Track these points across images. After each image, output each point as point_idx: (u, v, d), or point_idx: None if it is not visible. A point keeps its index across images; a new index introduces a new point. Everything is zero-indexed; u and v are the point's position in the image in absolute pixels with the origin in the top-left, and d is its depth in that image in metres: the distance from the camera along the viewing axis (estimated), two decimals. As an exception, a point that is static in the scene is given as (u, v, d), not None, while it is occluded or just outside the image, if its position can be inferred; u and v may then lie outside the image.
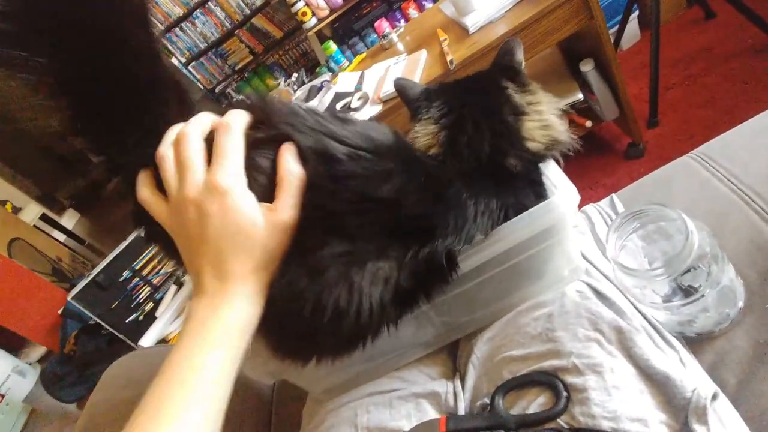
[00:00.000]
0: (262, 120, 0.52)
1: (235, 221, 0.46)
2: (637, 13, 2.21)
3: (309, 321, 0.50)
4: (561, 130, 0.63)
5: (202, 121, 0.52)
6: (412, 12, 3.36)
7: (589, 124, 1.80)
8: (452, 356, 0.74)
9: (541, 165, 0.62)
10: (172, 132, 0.51)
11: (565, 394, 0.54)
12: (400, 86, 0.71)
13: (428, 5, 3.30)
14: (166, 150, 0.50)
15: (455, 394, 0.65)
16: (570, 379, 0.55)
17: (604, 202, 0.89)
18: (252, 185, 0.49)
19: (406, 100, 0.70)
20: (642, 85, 1.97)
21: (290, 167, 0.48)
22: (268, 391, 1.00)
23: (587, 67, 1.66)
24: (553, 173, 0.61)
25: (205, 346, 0.45)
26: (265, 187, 0.49)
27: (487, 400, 0.60)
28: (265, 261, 0.48)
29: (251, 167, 0.49)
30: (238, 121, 0.50)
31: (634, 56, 2.25)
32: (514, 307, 0.67)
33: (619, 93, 1.65)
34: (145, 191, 0.52)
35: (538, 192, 0.60)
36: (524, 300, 0.66)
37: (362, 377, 0.72)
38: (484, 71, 0.68)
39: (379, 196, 0.49)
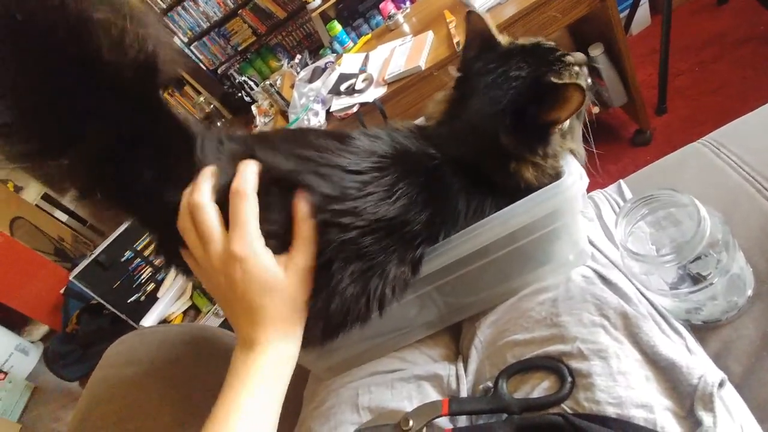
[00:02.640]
0: (271, 168, 0.54)
1: (258, 280, 0.52)
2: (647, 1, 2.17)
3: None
4: (557, 172, 0.61)
5: (212, 184, 0.53)
6: (419, -7, 3.30)
7: (596, 110, 1.77)
8: (455, 339, 0.74)
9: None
10: (186, 199, 0.53)
11: (569, 379, 0.54)
12: (470, 25, 0.66)
13: (435, -13, 3.25)
14: (185, 223, 0.54)
15: (458, 377, 0.65)
16: (575, 364, 0.54)
17: (611, 188, 0.88)
18: (268, 232, 0.53)
19: (463, 52, 0.67)
20: (651, 71, 1.94)
21: (304, 215, 0.53)
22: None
23: (596, 51, 1.63)
24: (564, 157, 0.60)
25: (244, 392, 0.52)
26: (280, 236, 0.53)
27: (490, 384, 0.59)
28: (293, 304, 0.54)
29: (265, 213, 0.52)
30: (250, 183, 0.52)
31: (644, 41, 2.21)
32: (518, 290, 0.66)
33: (628, 79, 1.62)
34: (183, 252, 0.57)
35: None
36: (529, 284, 0.65)
37: (365, 356, 0.71)
38: (527, 83, 0.60)
39: (387, 216, 0.54)
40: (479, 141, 0.61)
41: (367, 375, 0.69)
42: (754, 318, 0.61)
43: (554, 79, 0.58)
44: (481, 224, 0.57)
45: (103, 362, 1.01)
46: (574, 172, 0.57)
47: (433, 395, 0.63)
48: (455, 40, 1.45)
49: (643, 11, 2.23)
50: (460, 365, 0.66)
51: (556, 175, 0.59)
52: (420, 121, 0.70)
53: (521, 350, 0.59)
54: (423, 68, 1.48)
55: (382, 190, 0.54)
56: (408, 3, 3.29)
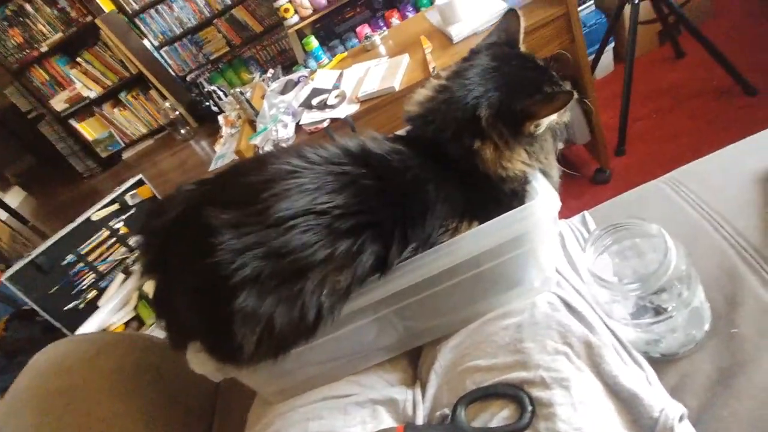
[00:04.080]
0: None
1: None
2: (612, 45, 2.28)
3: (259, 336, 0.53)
4: (512, 174, 0.62)
5: None
6: (395, 21, 3.36)
7: (560, 145, 1.82)
8: (413, 363, 0.71)
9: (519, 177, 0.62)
10: None
11: (530, 408, 0.52)
12: (510, 20, 0.71)
13: (411, 15, 3.32)
14: None
15: (414, 402, 0.62)
16: (536, 392, 0.53)
17: (576, 219, 0.88)
18: None
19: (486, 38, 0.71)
20: (612, 115, 2.03)
21: None
22: (213, 388, 0.94)
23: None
24: (536, 179, 0.59)
25: None
26: None
27: (447, 411, 0.57)
28: None
29: None
30: None
31: (607, 86, 2.31)
32: (481, 314, 0.64)
33: (591, 118, 1.68)
34: None
35: (511, 194, 0.59)
36: (493, 308, 0.64)
37: (318, 380, 0.67)
38: (522, 81, 0.65)
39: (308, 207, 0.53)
40: (453, 114, 0.61)
41: (319, 399, 0.65)
42: (710, 353, 0.62)
43: (548, 89, 0.62)
44: (447, 245, 0.56)
45: (28, 371, 0.92)
46: (544, 196, 0.57)
47: (387, 421, 0.60)
48: (431, 66, 1.46)
49: (607, 58, 2.34)
50: (418, 390, 0.64)
51: (510, 179, 0.61)
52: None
53: (482, 376, 0.57)
54: (397, 89, 1.48)
55: (314, 180, 0.55)
56: (384, 29, 3.35)
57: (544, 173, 0.63)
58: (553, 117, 0.61)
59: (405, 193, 0.57)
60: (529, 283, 0.63)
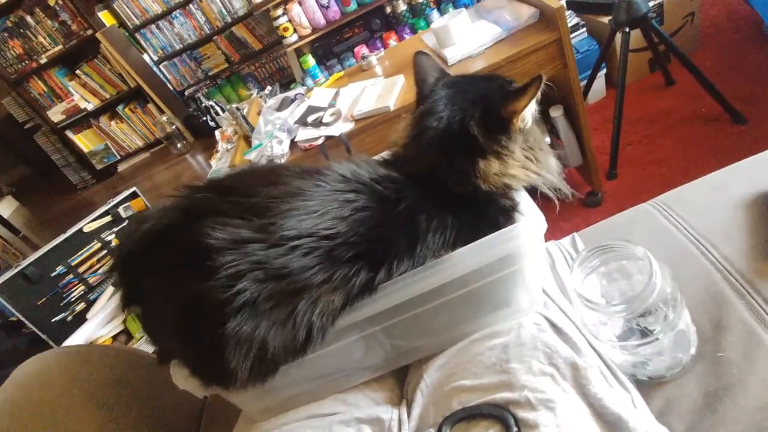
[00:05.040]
0: None
1: None
2: (604, 71, 2.33)
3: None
4: (522, 182, 0.64)
5: None
6: (392, 42, 3.42)
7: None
8: (400, 382, 0.70)
9: (513, 193, 0.62)
10: None
11: (515, 429, 0.52)
12: (417, 63, 0.73)
13: (408, 37, 3.37)
14: None
15: (400, 421, 0.61)
16: (522, 413, 0.52)
17: (565, 240, 0.89)
18: None
19: (417, 82, 0.72)
20: (604, 139, 2.06)
21: None
22: (198, 404, 0.93)
23: (556, 113, 1.71)
24: (523, 201, 0.60)
25: None
26: None
27: (432, 431, 0.56)
28: None
29: None
30: None
31: (598, 111, 2.35)
32: (468, 334, 0.64)
33: (584, 142, 1.70)
34: None
35: (504, 216, 0.59)
36: (479, 328, 0.64)
37: (303, 398, 0.67)
38: (487, 91, 0.67)
39: (311, 231, 0.54)
40: (445, 143, 0.62)
41: (304, 417, 0.64)
42: (696, 377, 0.62)
43: (514, 87, 0.64)
44: (434, 265, 0.56)
45: (11, 382, 0.91)
46: (530, 217, 0.57)
47: (373, 440, 0.59)
48: (425, 86, 1.48)
49: (599, 84, 2.39)
50: (404, 409, 0.63)
51: (510, 192, 0.62)
52: (384, 154, 0.70)
53: (468, 396, 0.57)
54: (392, 109, 1.50)
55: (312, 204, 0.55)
56: (382, 49, 3.40)
57: (545, 168, 0.64)
58: (534, 105, 0.63)
59: (397, 225, 0.57)
60: (516, 304, 0.63)
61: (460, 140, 0.62)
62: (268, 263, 0.51)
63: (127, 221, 2.16)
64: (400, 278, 0.56)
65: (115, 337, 2.08)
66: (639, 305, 0.53)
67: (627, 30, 1.77)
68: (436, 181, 0.61)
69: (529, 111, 0.62)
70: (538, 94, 0.60)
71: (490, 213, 0.61)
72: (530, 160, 0.63)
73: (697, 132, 1.97)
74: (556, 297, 0.68)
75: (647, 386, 0.62)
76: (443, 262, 0.55)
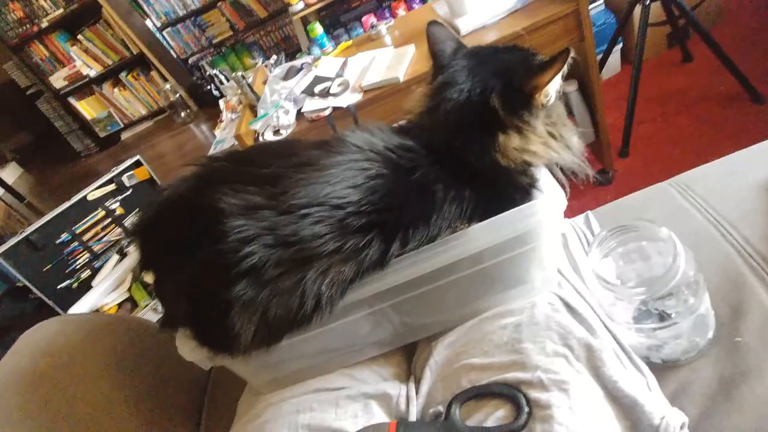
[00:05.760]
0: None
1: None
2: (620, 45, 2.26)
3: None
4: (542, 160, 0.61)
5: None
6: (401, 12, 3.33)
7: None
8: (408, 358, 0.69)
9: (532, 170, 0.60)
10: None
11: (526, 409, 0.51)
12: (432, 34, 0.70)
13: (417, 6, 3.28)
14: None
15: (408, 398, 0.60)
16: (534, 393, 0.51)
17: (579, 219, 0.87)
18: None
19: (433, 53, 0.69)
20: (617, 116, 2.01)
21: None
22: (203, 375, 0.93)
23: (570, 87, 1.67)
24: (542, 178, 0.58)
25: None
26: None
27: (441, 408, 0.55)
28: None
29: None
30: None
31: (613, 87, 2.29)
32: (480, 312, 0.63)
33: (597, 118, 1.66)
34: None
35: (522, 193, 0.57)
36: (491, 306, 0.62)
37: (310, 371, 0.66)
38: (510, 63, 0.64)
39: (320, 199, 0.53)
40: (465, 116, 0.60)
41: (311, 391, 0.64)
42: (712, 361, 0.60)
43: (539, 60, 0.62)
44: (448, 240, 0.55)
45: (16, 349, 0.91)
46: (550, 194, 0.55)
47: (380, 416, 0.59)
48: (436, 57, 1.44)
49: (615, 59, 2.32)
50: (412, 386, 0.62)
51: (530, 168, 0.60)
52: (400, 122, 0.68)
53: (478, 375, 0.56)
54: (401, 80, 1.46)
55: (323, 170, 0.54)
56: (390, 18, 3.31)
57: (567, 146, 0.62)
58: (558, 81, 0.60)
59: (412, 194, 0.55)
60: (530, 282, 0.61)
61: (480, 113, 0.59)
62: (278, 229, 0.51)
63: (131, 190, 2.15)
64: (413, 253, 0.54)
65: (120, 305, 2.10)
66: (661, 287, 0.51)
67: (648, 2, 1.71)
68: (454, 152, 0.58)
69: (553, 86, 0.59)
70: (564, 68, 0.57)
71: (509, 189, 0.59)
72: (552, 137, 0.60)
73: (714, 111, 1.91)
74: (571, 277, 0.67)
75: (661, 369, 0.61)
76: (458, 237, 0.54)
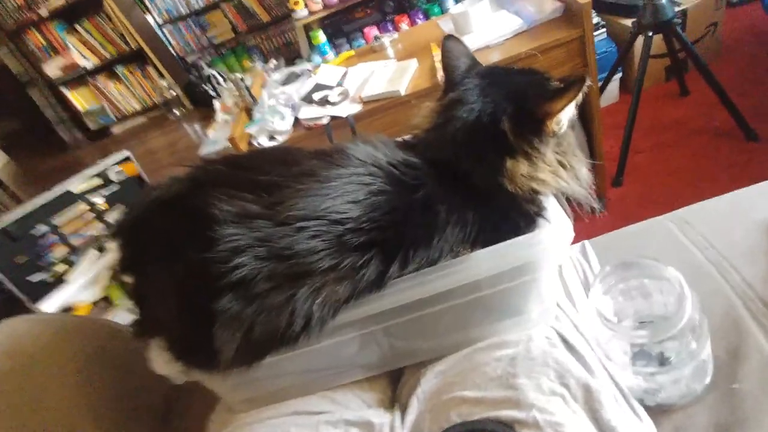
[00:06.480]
0: None
1: None
2: (620, 75, 2.27)
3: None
4: (550, 188, 0.58)
5: None
6: (404, 26, 3.33)
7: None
8: (393, 383, 0.66)
9: (540, 198, 0.57)
10: None
11: (518, 450, 0.48)
12: (447, 48, 0.67)
13: (421, 22, 3.29)
14: None
15: (392, 428, 0.57)
16: (527, 434, 0.48)
17: (575, 248, 0.85)
18: None
19: (446, 68, 0.67)
20: (612, 144, 2.01)
21: None
22: (175, 387, 0.88)
23: (569, 113, 1.67)
24: (550, 206, 0.55)
25: None
26: None
27: (428, 442, 0.52)
28: None
29: None
30: None
31: (610, 116, 2.30)
32: (473, 341, 0.60)
33: (594, 145, 1.66)
34: None
35: (527, 220, 0.55)
36: (485, 335, 0.60)
37: (289, 392, 0.62)
38: (524, 86, 0.61)
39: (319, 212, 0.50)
40: (473, 137, 0.57)
41: (289, 413, 0.60)
42: (708, 406, 0.58)
43: (553, 86, 0.59)
44: (448, 265, 0.52)
45: (-23, 348, 0.85)
46: (558, 223, 0.53)
47: (361, 446, 0.55)
48: (439, 74, 1.43)
49: (613, 87, 2.34)
50: (397, 415, 0.59)
51: (537, 196, 0.57)
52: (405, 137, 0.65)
53: (469, 409, 0.53)
54: (403, 94, 1.44)
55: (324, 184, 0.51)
56: (393, 31, 3.31)
57: (576, 177, 0.59)
58: (572, 109, 0.57)
59: (414, 213, 0.53)
60: (527, 313, 0.59)
61: (488, 135, 0.57)
62: (272, 241, 0.48)
63: (118, 185, 2.10)
64: (411, 276, 0.52)
65: (95, 304, 2.03)
66: (666, 331, 0.49)
67: (650, 34, 1.72)
68: (459, 172, 0.56)
69: (566, 114, 0.57)
70: (579, 96, 0.55)
71: (514, 215, 0.56)
72: (562, 166, 0.58)
73: (709, 145, 1.93)
74: (568, 310, 0.64)
75: (655, 412, 0.59)
76: (459, 263, 0.51)
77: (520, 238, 0.51)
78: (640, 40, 1.79)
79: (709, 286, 0.69)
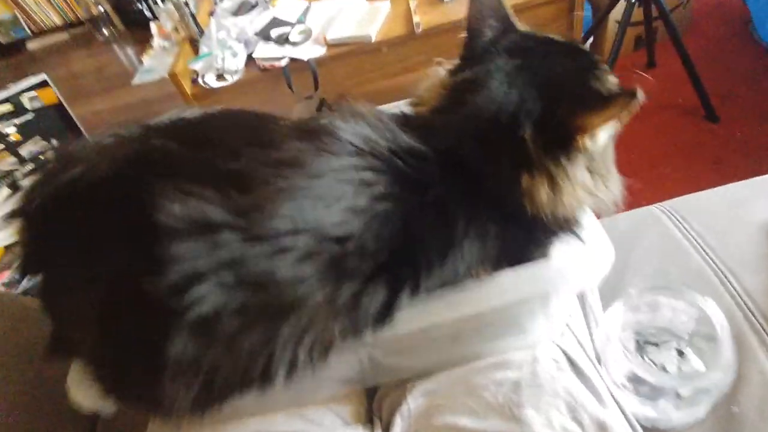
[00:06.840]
0: None
1: None
2: (590, 42, 2.21)
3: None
4: (577, 209, 0.48)
5: None
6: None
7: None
8: (370, 392, 0.58)
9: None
10: None
11: (524, 497, 0.42)
12: (475, 3, 0.52)
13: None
14: None
15: (373, 450, 0.49)
16: (535, 479, 0.42)
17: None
18: None
19: (471, 27, 0.52)
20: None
21: None
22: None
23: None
24: (587, 222, 0.46)
25: None
26: None
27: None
28: None
29: None
30: None
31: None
32: (468, 358, 0.52)
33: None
34: None
35: (557, 237, 0.46)
36: (483, 353, 0.52)
37: (250, 408, 0.53)
38: (562, 77, 0.48)
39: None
40: (486, 137, 0.45)
41: (250, 432, 0.51)
42: (705, 429, 0.55)
43: (597, 86, 0.47)
44: (467, 290, 0.43)
45: None
46: (594, 249, 0.44)
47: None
48: (415, 20, 1.28)
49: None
50: (378, 432, 0.51)
51: (569, 222, 0.46)
52: (404, 108, 0.53)
53: (465, 441, 0.46)
54: (373, 40, 1.29)
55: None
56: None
57: (606, 200, 0.50)
58: (614, 125, 0.46)
59: (426, 222, 0.42)
60: (532, 332, 0.52)
61: (505, 140, 0.45)
62: (243, 264, 0.35)
63: (53, 154, 1.84)
64: (422, 303, 0.41)
65: (8, 248, 1.80)
66: (696, 383, 0.43)
67: (634, 1, 1.64)
68: (472, 171, 0.45)
69: (607, 131, 0.46)
70: (625, 115, 0.43)
71: (542, 230, 0.46)
72: (594, 187, 0.47)
73: (670, 122, 1.93)
74: (572, 323, 0.58)
75: (651, 433, 0.55)
76: (480, 289, 0.41)
77: (553, 263, 0.42)
78: (619, 7, 1.71)
79: (708, 293, 0.65)
